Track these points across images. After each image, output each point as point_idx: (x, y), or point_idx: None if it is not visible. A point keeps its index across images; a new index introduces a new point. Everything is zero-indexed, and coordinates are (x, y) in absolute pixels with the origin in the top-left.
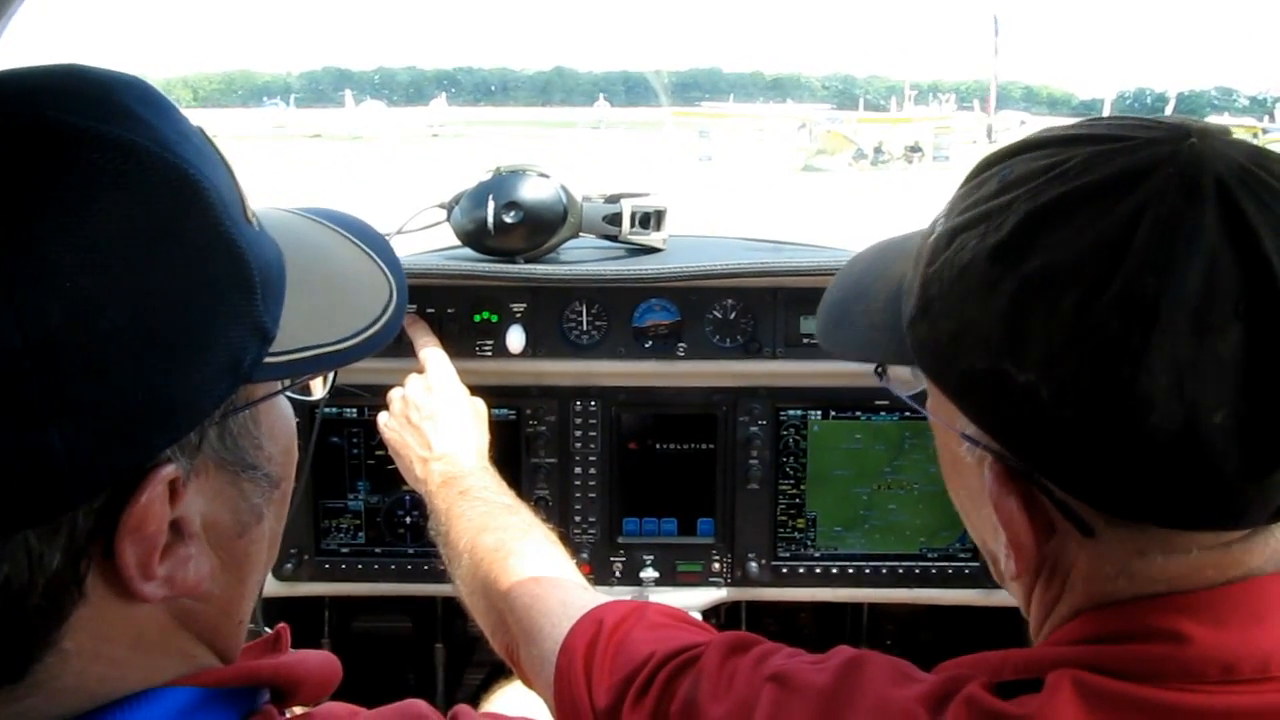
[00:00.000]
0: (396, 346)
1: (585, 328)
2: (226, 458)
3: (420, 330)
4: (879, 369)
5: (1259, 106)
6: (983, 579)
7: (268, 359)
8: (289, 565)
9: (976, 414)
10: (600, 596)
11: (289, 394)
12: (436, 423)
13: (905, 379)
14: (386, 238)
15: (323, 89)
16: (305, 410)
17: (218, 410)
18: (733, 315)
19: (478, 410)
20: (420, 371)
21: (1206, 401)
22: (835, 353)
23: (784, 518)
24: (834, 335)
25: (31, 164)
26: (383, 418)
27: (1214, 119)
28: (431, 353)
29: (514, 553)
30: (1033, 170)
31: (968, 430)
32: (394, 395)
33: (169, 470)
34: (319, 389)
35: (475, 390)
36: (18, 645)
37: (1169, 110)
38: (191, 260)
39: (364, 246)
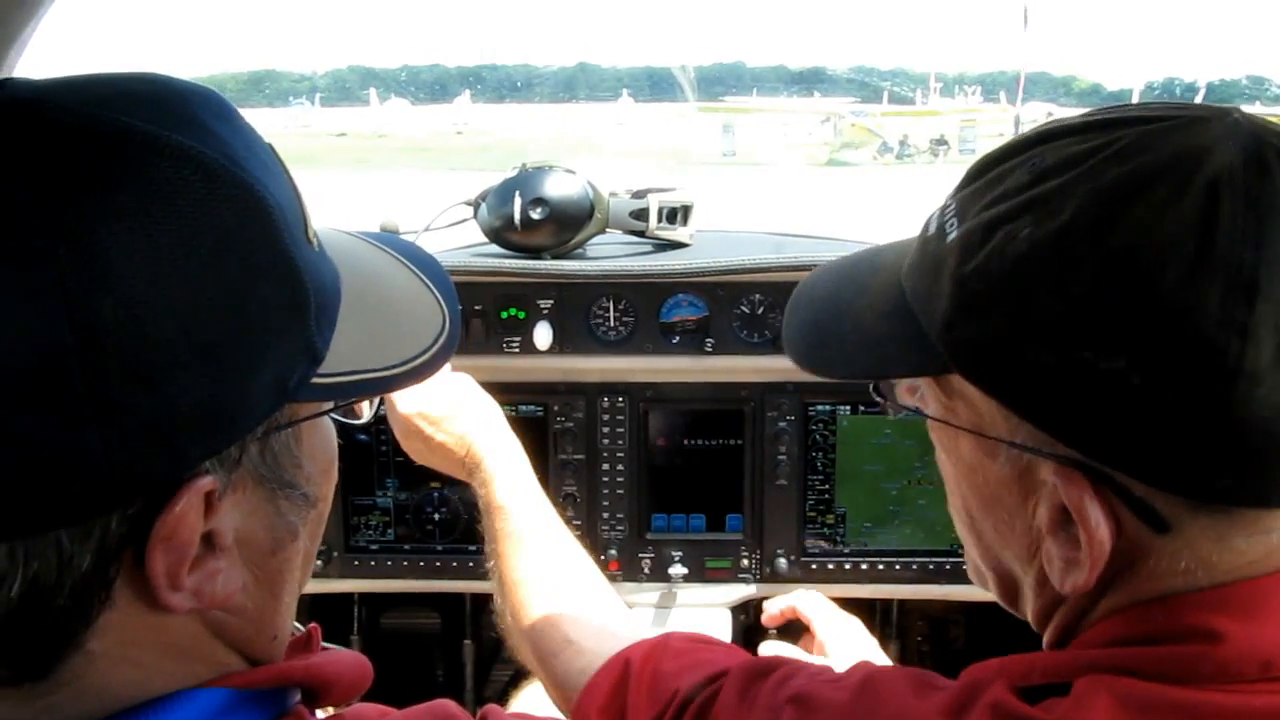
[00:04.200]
0: None
1: (612, 324)
2: (265, 474)
3: None
4: (876, 387)
5: None
6: None
7: (315, 379)
8: (319, 562)
9: (1040, 414)
10: (623, 636)
11: (334, 415)
12: (440, 429)
13: (902, 397)
14: (415, 236)
15: (348, 87)
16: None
17: (260, 426)
18: (760, 310)
19: (466, 387)
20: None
21: None
22: (827, 374)
23: (813, 513)
24: (820, 355)
25: (101, 166)
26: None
27: (1246, 108)
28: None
29: (530, 620)
30: (1075, 154)
31: (1017, 437)
32: (395, 431)
33: (206, 482)
34: (366, 412)
35: (501, 386)
36: (42, 643)
37: (1199, 100)
38: (248, 276)
39: (422, 275)
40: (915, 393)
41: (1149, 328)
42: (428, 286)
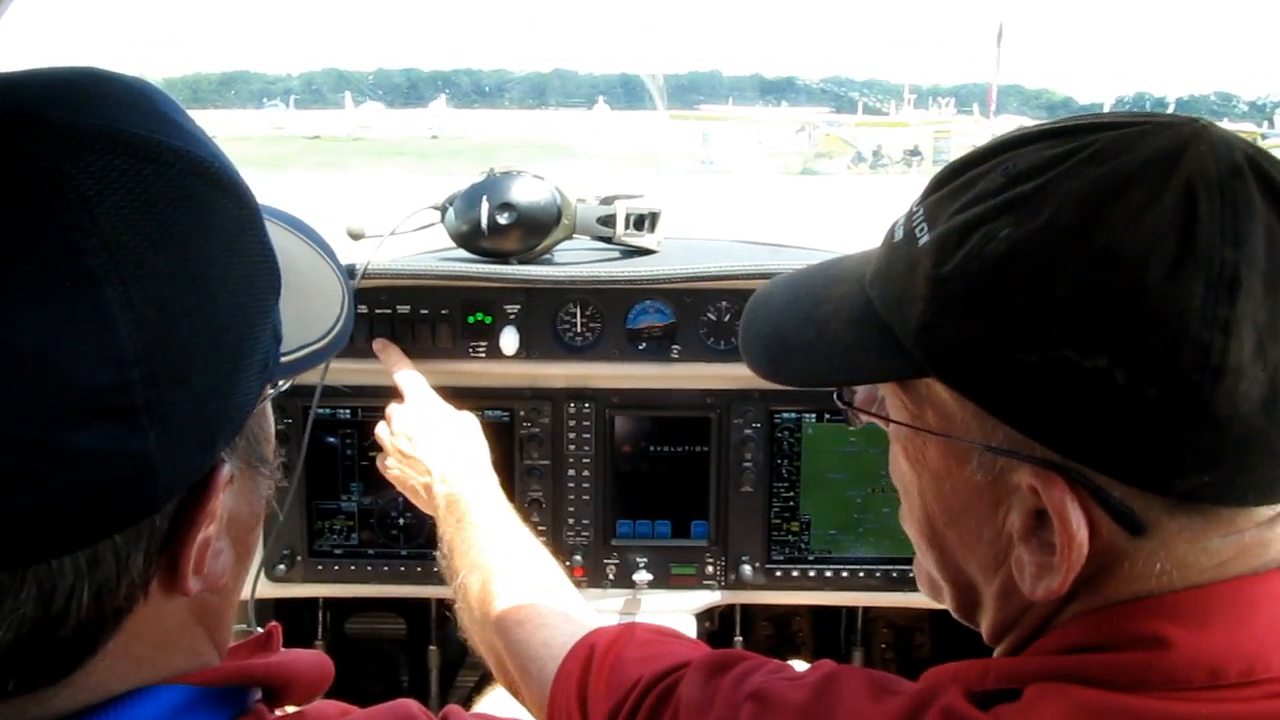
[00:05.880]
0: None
1: (579, 329)
2: (249, 455)
3: (392, 354)
4: (842, 395)
5: (1258, 112)
6: None
7: (281, 358)
8: (282, 566)
9: (1019, 415)
10: (586, 623)
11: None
12: (430, 447)
13: (863, 408)
14: (381, 240)
15: (322, 90)
16: (299, 411)
17: (253, 410)
18: (727, 317)
19: (468, 423)
20: (399, 397)
21: None
22: (792, 383)
23: (778, 521)
24: (785, 366)
25: (126, 178)
26: (379, 461)
27: None
28: (407, 376)
29: (498, 594)
30: (1050, 157)
31: (992, 441)
32: (382, 434)
33: (227, 470)
34: (285, 383)
35: (468, 392)
36: (87, 647)
37: None
38: (248, 269)
39: (311, 243)
40: (874, 403)
41: (1132, 325)
42: (320, 255)
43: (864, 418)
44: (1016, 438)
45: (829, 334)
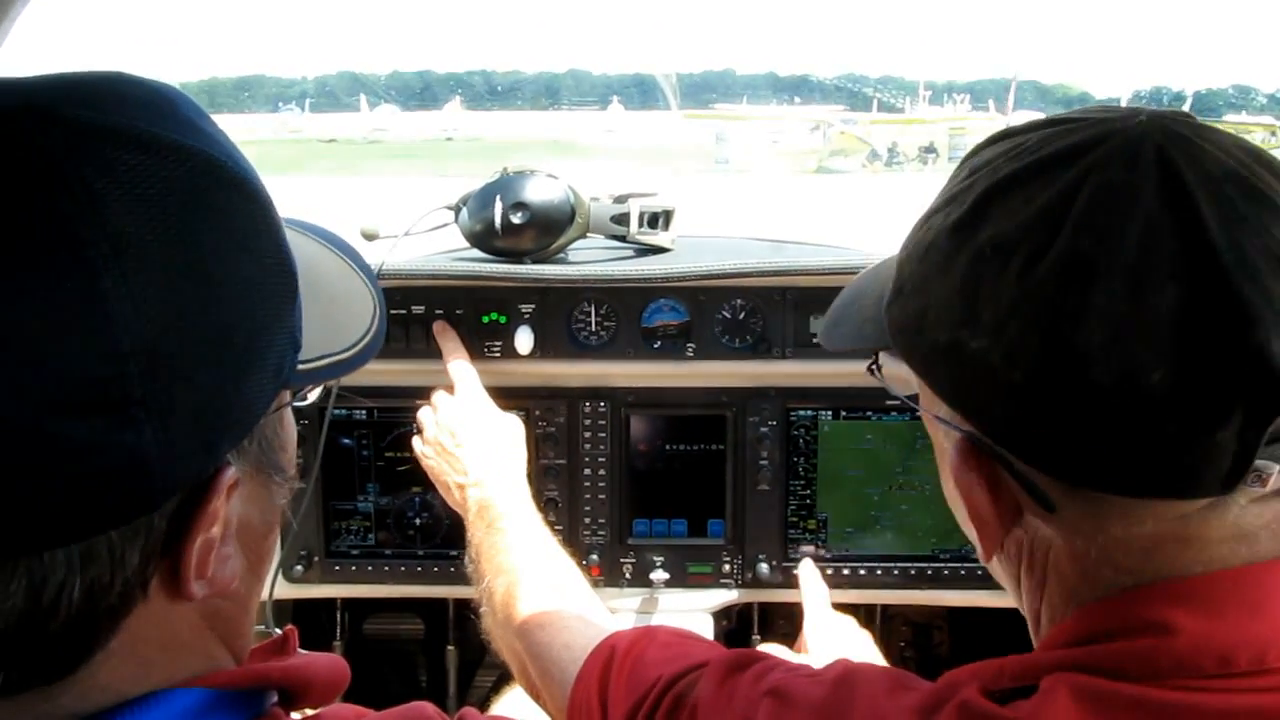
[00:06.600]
0: (405, 349)
1: (594, 328)
2: (261, 461)
3: (450, 340)
4: (873, 366)
5: (1276, 104)
6: (994, 580)
7: (299, 366)
8: (299, 567)
9: (942, 389)
10: (607, 627)
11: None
12: (472, 448)
13: (901, 378)
14: (395, 240)
15: (336, 93)
16: (314, 413)
17: (265, 415)
18: (742, 315)
19: (513, 428)
20: (448, 386)
21: (1143, 359)
22: (832, 349)
23: (795, 518)
24: (831, 334)
25: (135, 173)
26: (417, 443)
27: (1231, 117)
28: (460, 368)
29: (521, 599)
30: (996, 154)
31: (940, 412)
32: (425, 419)
33: (231, 474)
34: (314, 394)
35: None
36: (82, 644)
37: (1185, 108)
38: (261, 271)
39: (343, 256)
40: (903, 382)
41: (998, 310)
42: (351, 267)
43: (887, 382)
44: (949, 411)
45: (864, 306)
